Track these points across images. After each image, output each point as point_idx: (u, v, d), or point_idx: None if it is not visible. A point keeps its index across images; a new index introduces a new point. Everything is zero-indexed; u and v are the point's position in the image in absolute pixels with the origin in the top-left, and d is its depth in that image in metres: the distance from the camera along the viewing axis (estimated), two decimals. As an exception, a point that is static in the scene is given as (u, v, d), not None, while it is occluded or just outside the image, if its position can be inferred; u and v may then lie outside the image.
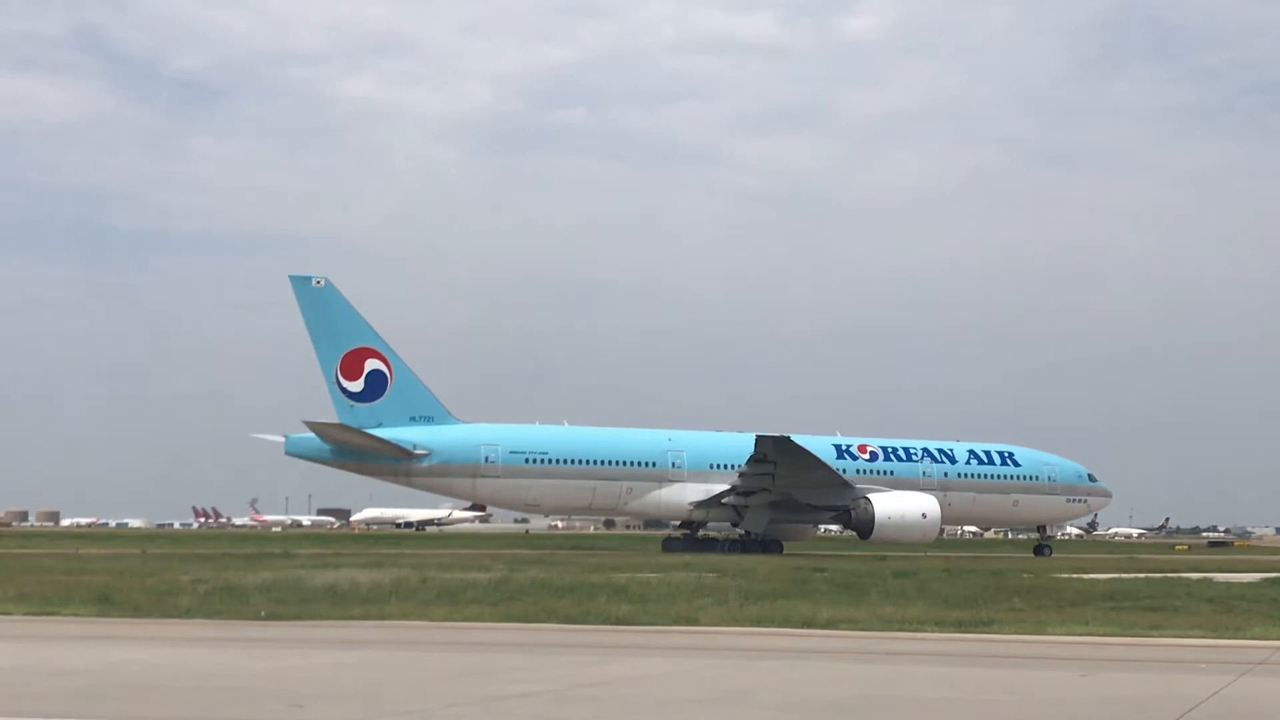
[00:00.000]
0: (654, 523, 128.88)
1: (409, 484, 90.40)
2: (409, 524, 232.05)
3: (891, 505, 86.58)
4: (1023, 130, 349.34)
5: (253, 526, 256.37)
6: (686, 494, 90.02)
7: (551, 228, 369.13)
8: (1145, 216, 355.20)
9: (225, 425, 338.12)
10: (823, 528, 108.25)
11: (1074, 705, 18.26)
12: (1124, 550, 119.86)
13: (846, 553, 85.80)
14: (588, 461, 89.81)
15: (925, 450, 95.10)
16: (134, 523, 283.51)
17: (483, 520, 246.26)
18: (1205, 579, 48.76)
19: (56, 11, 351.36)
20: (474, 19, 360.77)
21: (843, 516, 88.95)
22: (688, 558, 69.44)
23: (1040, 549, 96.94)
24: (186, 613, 31.20)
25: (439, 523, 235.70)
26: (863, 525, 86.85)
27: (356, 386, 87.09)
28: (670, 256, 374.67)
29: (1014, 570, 56.27)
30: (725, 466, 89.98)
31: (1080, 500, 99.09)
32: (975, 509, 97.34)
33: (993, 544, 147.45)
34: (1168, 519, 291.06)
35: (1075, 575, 51.94)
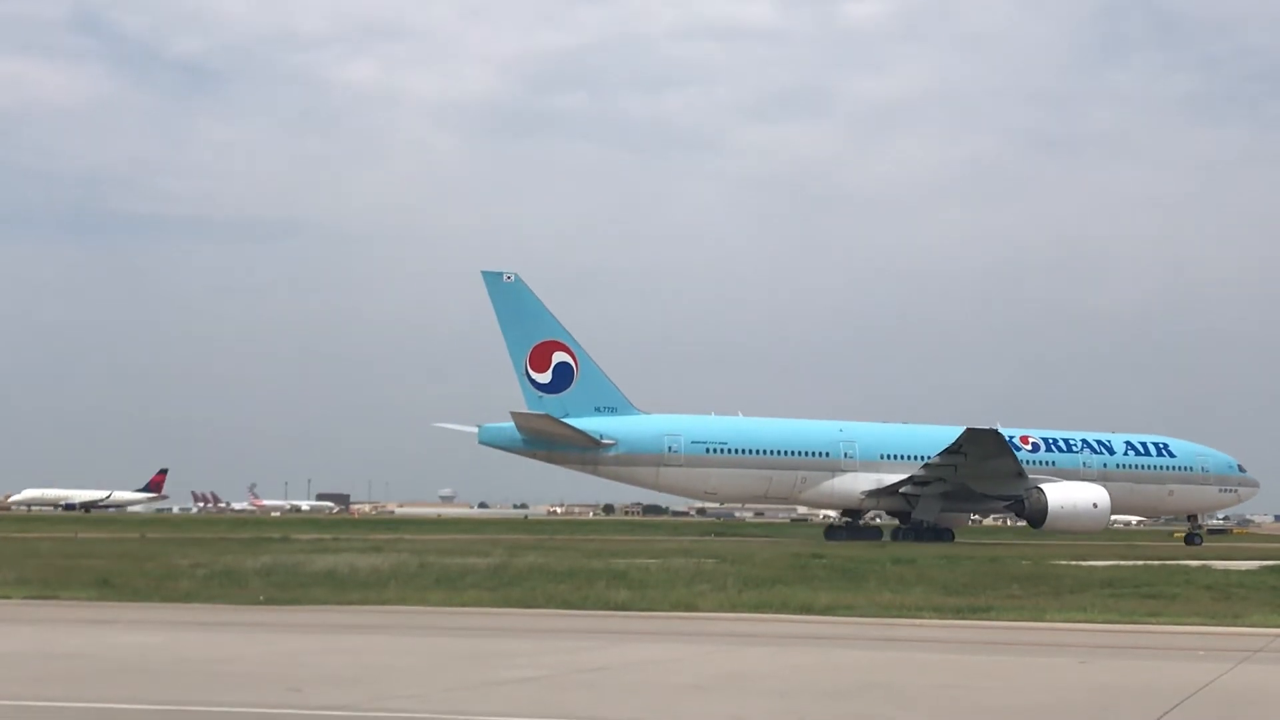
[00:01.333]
0: (650, 509, 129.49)
1: (595, 472, 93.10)
2: (72, 505, 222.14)
3: (1064, 495, 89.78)
4: (1024, 118, 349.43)
5: (252, 511, 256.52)
6: (858, 483, 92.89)
7: (547, 214, 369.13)
8: (1147, 204, 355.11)
9: (226, 411, 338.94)
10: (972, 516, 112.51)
11: (1072, 692, 18.27)
12: (1123, 538, 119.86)
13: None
14: (764, 452, 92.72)
15: (1084, 441, 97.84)
16: (134, 507, 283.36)
17: (156, 500, 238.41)
18: (1204, 566, 48.79)
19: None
20: (475, 3, 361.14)
21: (1015, 506, 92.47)
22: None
23: (1191, 538, 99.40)
24: (186, 596, 31.26)
25: (101, 504, 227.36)
26: (1036, 514, 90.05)
27: (545, 378, 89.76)
28: (670, 241, 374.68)
29: (1013, 557, 56.30)
30: (895, 457, 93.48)
31: (1231, 490, 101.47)
32: (1133, 499, 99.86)
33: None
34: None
35: (1074, 562, 51.96)
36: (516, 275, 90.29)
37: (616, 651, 22.37)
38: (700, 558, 49.48)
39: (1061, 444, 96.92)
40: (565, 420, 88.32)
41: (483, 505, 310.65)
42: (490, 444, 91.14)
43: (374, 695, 17.02)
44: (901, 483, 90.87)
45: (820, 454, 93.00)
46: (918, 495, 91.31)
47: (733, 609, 29.73)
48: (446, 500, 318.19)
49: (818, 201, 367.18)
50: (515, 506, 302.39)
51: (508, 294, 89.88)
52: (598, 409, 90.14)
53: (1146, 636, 25.77)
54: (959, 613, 29.19)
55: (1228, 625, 27.72)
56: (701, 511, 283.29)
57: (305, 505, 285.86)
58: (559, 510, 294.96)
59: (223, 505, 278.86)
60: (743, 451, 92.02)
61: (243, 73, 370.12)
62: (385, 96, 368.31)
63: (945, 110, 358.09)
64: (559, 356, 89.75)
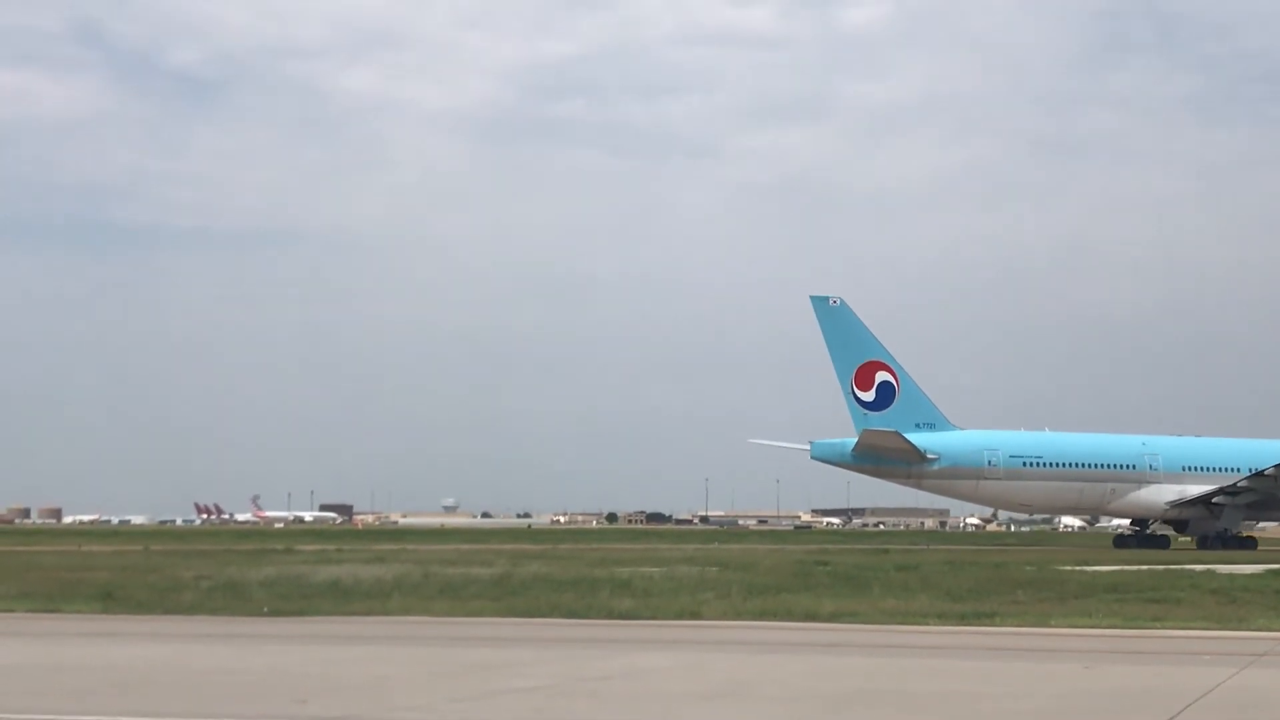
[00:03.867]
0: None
1: (918, 486, 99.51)
2: None
3: None
4: (1023, 121, 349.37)
5: (255, 523, 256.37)
6: (1162, 494, 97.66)
7: (549, 221, 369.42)
8: (1148, 207, 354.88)
9: (228, 422, 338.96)
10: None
11: (1078, 697, 18.24)
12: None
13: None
14: (1076, 465, 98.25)
15: None
16: (136, 519, 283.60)
17: None
18: (1208, 570, 48.68)
19: (55, 6, 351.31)
20: (473, 12, 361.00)
21: None
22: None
23: None
24: (189, 609, 31.22)
25: None
26: None
27: (869, 396, 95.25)
28: (669, 248, 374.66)
29: (1017, 563, 56.23)
30: (1198, 469, 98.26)
31: None
32: None
33: None
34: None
35: (1078, 567, 51.90)
36: (841, 299, 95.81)
37: (621, 660, 22.33)
38: (704, 565, 49.43)
39: None
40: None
41: (486, 515, 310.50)
42: (822, 459, 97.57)
43: (379, 706, 17.00)
44: (1214, 493, 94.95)
45: (1127, 466, 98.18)
46: (1223, 505, 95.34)
47: (737, 617, 29.69)
48: (450, 510, 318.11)
49: (818, 207, 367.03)
50: (519, 516, 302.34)
51: (834, 317, 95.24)
52: (918, 425, 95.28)
53: (1151, 641, 25.73)
54: (963, 619, 29.14)
55: (1233, 629, 27.66)
56: (705, 520, 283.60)
57: (308, 516, 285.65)
58: (562, 519, 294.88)
59: (225, 516, 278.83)
60: (1056, 465, 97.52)
61: (242, 82, 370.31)
62: (385, 105, 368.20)
63: (945, 114, 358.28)
64: (881, 376, 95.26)
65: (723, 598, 33.17)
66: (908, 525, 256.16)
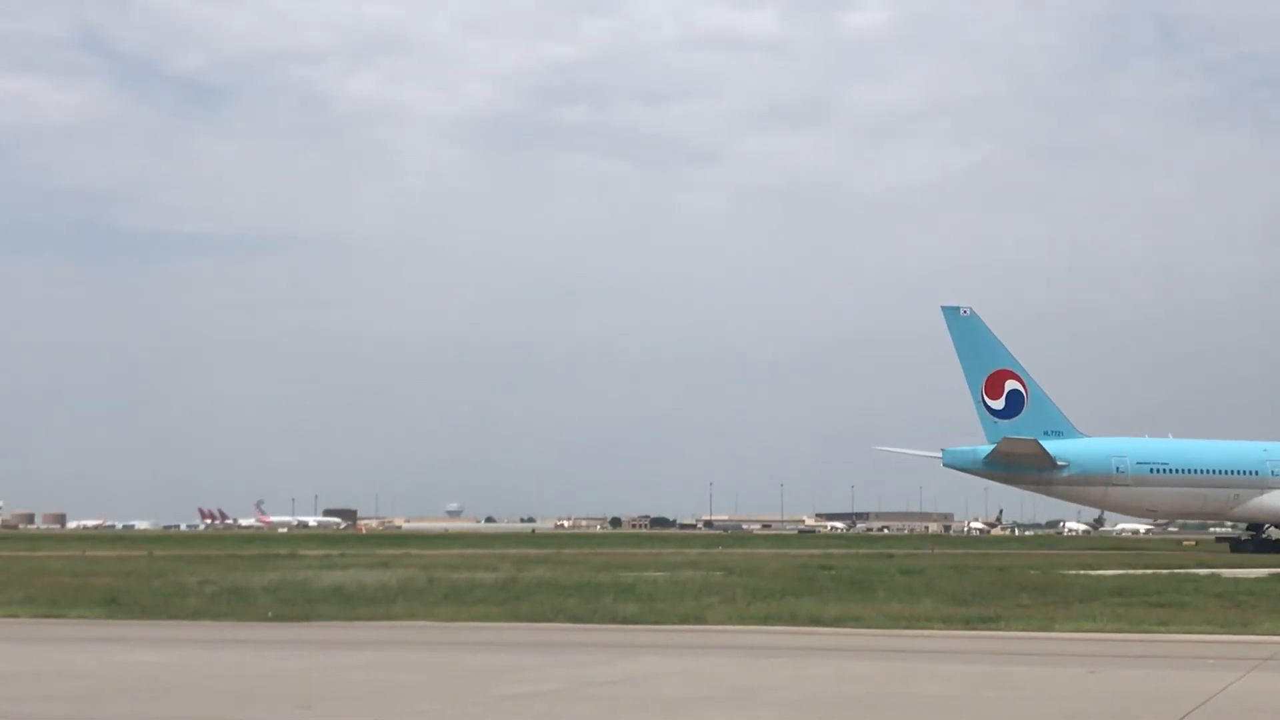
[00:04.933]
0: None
1: (1047, 492, 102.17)
2: None
3: None
4: (1028, 125, 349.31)
5: (259, 528, 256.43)
6: None
7: (551, 226, 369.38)
8: (1151, 211, 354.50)
9: (232, 427, 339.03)
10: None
11: (1082, 701, 18.22)
12: (1131, 547, 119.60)
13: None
14: (1201, 471, 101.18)
15: None
16: (140, 525, 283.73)
17: None
18: (1213, 575, 48.61)
19: (57, 12, 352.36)
20: (476, 17, 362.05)
21: None
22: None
23: None
24: (194, 614, 31.24)
25: None
26: None
27: (998, 405, 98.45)
28: (671, 252, 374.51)
29: (1021, 567, 56.17)
30: None
31: None
32: None
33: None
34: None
35: (1083, 571, 51.81)
36: (972, 309, 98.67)
37: (626, 665, 22.32)
38: (708, 570, 49.40)
39: None
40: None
41: (490, 519, 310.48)
42: (954, 466, 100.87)
43: (383, 711, 16.99)
44: None
45: (1250, 472, 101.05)
46: None
47: (741, 621, 29.67)
48: (454, 515, 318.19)
49: (821, 211, 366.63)
50: (523, 520, 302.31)
51: (964, 327, 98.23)
52: (1046, 433, 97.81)
53: (1156, 645, 25.67)
54: (968, 623, 29.12)
55: (1237, 633, 27.62)
56: (709, 524, 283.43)
57: (312, 521, 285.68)
58: (566, 524, 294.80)
59: (229, 521, 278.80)
60: (1182, 471, 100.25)
61: (244, 88, 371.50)
62: (388, 110, 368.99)
63: (948, 119, 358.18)
64: (1011, 384, 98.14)
65: (727, 602, 33.15)
66: (912, 529, 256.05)
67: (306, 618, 30.56)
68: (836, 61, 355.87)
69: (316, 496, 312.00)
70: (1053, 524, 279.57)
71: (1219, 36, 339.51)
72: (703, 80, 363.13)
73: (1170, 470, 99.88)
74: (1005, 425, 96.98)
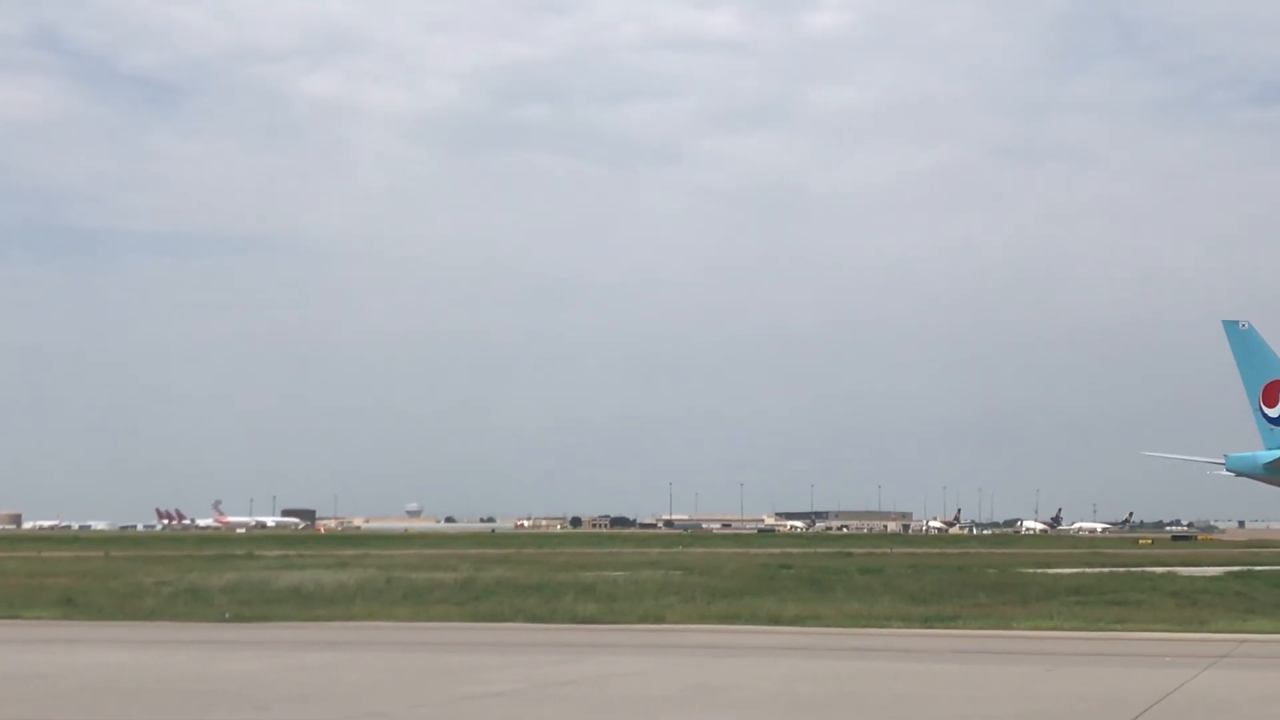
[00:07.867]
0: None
1: None
2: None
3: None
4: (989, 126, 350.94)
5: (217, 528, 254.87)
6: None
7: (511, 226, 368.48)
8: (1112, 211, 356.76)
9: (189, 427, 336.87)
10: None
11: (1041, 700, 18.32)
12: (1088, 545, 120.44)
13: None
14: None
15: None
16: (97, 525, 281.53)
17: None
18: (1169, 573, 49.02)
19: (14, 10, 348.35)
20: (436, 16, 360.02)
21: None
22: None
23: None
24: (151, 615, 31.04)
25: None
26: None
27: (1275, 413, 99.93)
28: (633, 253, 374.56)
29: (979, 566, 56.46)
30: None
31: None
32: None
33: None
34: (1131, 514, 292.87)
35: (1040, 570, 52.12)
36: (1249, 323, 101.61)
37: (586, 664, 22.31)
38: (668, 569, 49.44)
39: None
40: None
41: (449, 520, 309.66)
42: (1234, 471, 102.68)
43: (342, 713, 16.92)
44: None
45: None
46: None
47: (701, 620, 29.70)
48: (413, 515, 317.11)
49: (781, 212, 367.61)
50: (482, 520, 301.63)
51: (1243, 339, 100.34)
52: None
53: (1113, 644, 25.86)
54: (926, 622, 29.23)
55: (1193, 631, 27.84)
56: (669, 524, 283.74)
57: (270, 521, 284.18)
58: (526, 524, 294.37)
59: (187, 522, 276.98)
60: None
61: (202, 86, 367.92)
62: (347, 109, 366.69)
63: (910, 119, 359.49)
64: None
65: (687, 601, 33.19)
66: (871, 528, 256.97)
67: (264, 618, 30.40)
68: (798, 62, 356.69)
69: (275, 497, 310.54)
70: (1010, 523, 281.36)
71: (1179, 38, 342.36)
72: (664, 80, 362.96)
73: None
74: None
